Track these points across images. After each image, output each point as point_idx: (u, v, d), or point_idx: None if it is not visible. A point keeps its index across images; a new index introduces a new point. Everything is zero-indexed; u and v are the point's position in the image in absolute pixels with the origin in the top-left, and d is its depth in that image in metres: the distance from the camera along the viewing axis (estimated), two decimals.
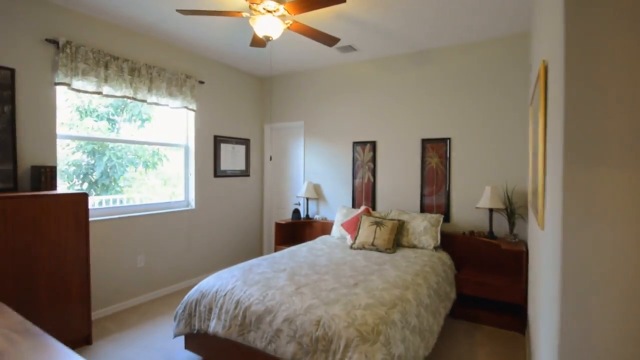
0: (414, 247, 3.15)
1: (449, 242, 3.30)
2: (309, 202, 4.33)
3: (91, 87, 2.79)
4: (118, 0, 2.62)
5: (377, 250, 3.03)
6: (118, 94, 2.97)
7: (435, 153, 3.53)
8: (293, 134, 4.62)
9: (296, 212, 4.19)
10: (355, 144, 4.03)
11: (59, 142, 2.84)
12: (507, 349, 2.41)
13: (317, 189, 4.30)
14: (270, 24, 2.09)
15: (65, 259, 2.29)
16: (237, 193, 4.36)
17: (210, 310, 2.05)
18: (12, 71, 2.42)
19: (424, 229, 3.16)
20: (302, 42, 3.43)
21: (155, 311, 3.01)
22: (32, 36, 2.54)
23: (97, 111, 3.11)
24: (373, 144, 3.90)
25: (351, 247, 3.15)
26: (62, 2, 2.65)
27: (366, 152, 3.95)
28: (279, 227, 4.07)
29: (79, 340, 2.37)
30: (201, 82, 3.79)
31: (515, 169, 3.14)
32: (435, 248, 3.10)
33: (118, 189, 3.28)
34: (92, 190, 3.10)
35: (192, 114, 3.76)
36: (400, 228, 3.20)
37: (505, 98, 3.19)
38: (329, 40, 2.50)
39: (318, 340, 1.62)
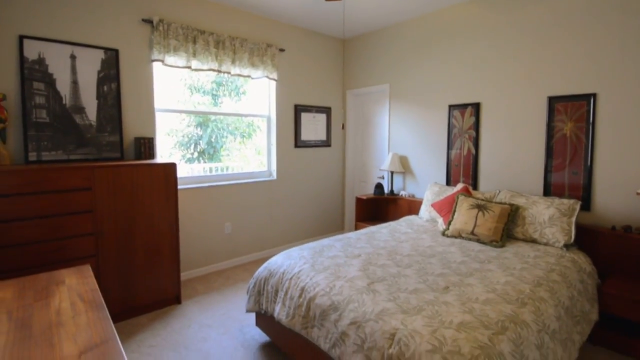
0: (534, 241, 2.40)
1: (589, 239, 2.41)
2: (394, 176, 3.85)
3: (181, 62, 2.92)
4: None
5: (479, 241, 2.42)
6: (205, 67, 3.07)
7: (570, 115, 2.54)
8: (377, 100, 4.10)
9: (379, 186, 3.78)
10: (451, 107, 3.28)
11: (175, 115, 3.18)
12: None
13: (403, 161, 3.76)
14: None
15: (158, 223, 2.50)
16: (317, 164, 4.20)
17: (277, 292, 1.94)
18: (117, 52, 2.65)
19: (549, 218, 2.36)
20: None
21: (237, 277, 3.17)
22: (131, 17, 2.72)
23: (203, 88, 3.34)
24: (476, 107, 3.09)
25: (443, 234, 2.61)
26: None
27: (466, 117, 3.17)
28: (360, 202, 3.76)
29: (170, 298, 2.62)
30: (281, 50, 3.66)
31: None
32: (567, 246, 2.28)
33: (221, 157, 3.53)
34: (200, 158, 3.40)
35: (274, 83, 3.71)
36: (512, 215, 2.47)
37: None
38: None
39: None
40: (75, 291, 1.24)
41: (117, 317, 2.37)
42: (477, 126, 3.10)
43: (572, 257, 2.14)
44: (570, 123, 2.55)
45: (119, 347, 0.90)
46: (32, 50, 2.30)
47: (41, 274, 1.40)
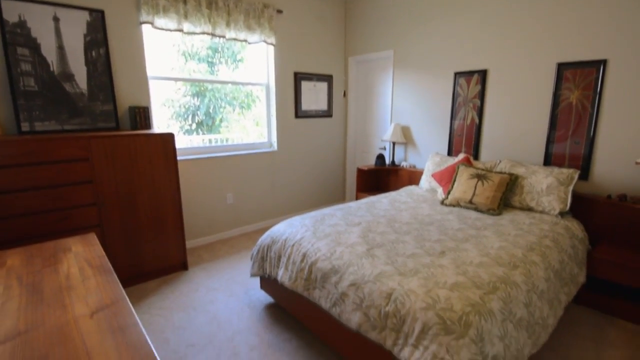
0: (530, 209, 2.44)
1: (585, 207, 2.44)
2: (396, 146, 3.82)
3: (172, 24, 2.78)
4: None
5: (476, 209, 2.46)
6: (198, 30, 2.92)
7: (578, 83, 2.47)
8: (380, 67, 3.96)
9: (380, 157, 3.76)
10: (457, 75, 3.18)
11: (170, 85, 3.06)
12: None
13: (405, 131, 3.72)
14: None
15: (160, 193, 2.51)
16: (318, 135, 4.15)
17: (279, 258, 2.00)
18: (102, 13, 2.49)
19: (547, 187, 2.38)
20: None
21: (241, 245, 3.26)
22: None
23: (198, 54, 3.19)
24: (483, 74, 2.99)
25: (442, 203, 2.65)
26: None
27: (472, 85, 3.08)
28: (361, 173, 3.76)
29: (177, 265, 2.71)
30: (279, 12, 3.46)
31: None
32: (562, 214, 2.33)
33: (220, 129, 3.44)
34: (199, 129, 3.31)
35: (272, 49, 3.54)
36: (511, 184, 2.49)
37: None
38: None
39: (388, 317, 1.36)
40: (82, 257, 1.28)
41: (125, 283, 2.45)
42: (482, 95, 3.03)
43: (566, 224, 2.19)
44: (578, 91, 2.49)
45: (129, 306, 0.94)
46: (11, 11, 2.17)
47: (47, 242, 1.41)
